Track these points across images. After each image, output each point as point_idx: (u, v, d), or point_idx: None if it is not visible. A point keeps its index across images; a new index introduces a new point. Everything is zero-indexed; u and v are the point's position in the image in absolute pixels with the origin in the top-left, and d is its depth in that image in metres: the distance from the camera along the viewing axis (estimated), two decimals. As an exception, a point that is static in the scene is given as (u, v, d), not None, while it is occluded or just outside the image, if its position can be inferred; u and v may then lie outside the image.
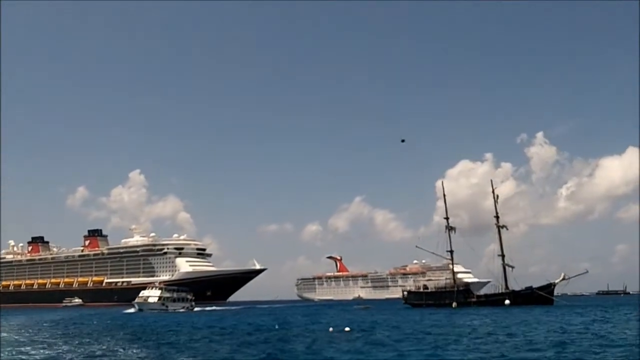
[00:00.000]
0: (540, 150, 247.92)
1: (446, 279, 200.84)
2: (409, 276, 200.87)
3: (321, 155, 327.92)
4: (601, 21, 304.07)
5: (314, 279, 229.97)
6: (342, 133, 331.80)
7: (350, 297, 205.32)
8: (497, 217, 78.57)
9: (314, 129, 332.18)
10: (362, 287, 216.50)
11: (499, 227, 78.13)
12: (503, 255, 78.09)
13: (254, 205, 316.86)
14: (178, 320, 58.03)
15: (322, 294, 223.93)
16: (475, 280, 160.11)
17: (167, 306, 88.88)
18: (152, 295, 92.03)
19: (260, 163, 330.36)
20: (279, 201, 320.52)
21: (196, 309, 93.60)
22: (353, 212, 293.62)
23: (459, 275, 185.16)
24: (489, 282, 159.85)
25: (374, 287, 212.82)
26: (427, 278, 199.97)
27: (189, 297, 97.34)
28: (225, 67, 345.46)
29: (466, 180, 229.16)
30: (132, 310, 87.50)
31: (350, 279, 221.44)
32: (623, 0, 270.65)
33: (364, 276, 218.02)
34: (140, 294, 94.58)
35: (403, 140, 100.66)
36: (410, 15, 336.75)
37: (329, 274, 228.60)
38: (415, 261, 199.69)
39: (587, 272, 75.88)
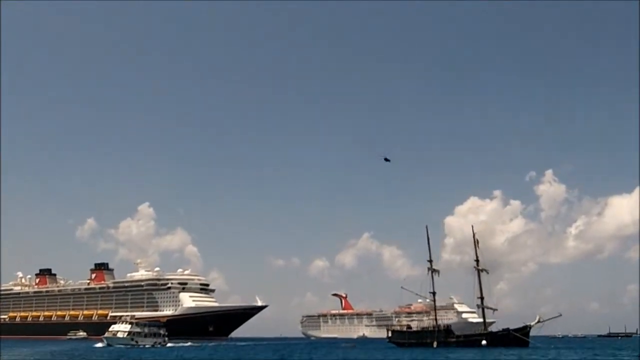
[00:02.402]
0: (549, 188, 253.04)
1: (449, 318, 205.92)
2: (414, 315, 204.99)
3: (330, 190, 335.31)
4: (615, 64, 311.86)
5: (318, 316, 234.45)
6: (350, 168, 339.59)
7: (355, 336, 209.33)
8: (476, 260, 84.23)
9: (323, 164, 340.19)
10: (366, 326, 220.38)
11: (479, 271, 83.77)
12: (482, 298, 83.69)
13: (262, 239, 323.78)
14: (143, 356, 62.51)
15: (327, 331, 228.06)
16: (480, 320, 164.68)
17: (136, 341, 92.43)
18: (122, 329, 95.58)
19: (269, 197, 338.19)
20: (287, 236, 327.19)
21: (169, 344, 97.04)
22: (361, 248, 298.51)
23: (464, 315, 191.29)
24: (494, 322, 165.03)
25: (379, 325, 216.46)
26: (431, 317, 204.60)
27: (162, 332, 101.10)
28: (234, 97, 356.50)
29: (475, 217, 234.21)
30: (100, 344, 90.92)
31: (355, 317, 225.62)
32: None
33: (369, 314, 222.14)
34: (110, 328, 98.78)
35: (387, 159, 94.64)
36: (415, 49, 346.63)
37: (334, 311, 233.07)
38: (419, 300, 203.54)
39: (561, 315, 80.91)
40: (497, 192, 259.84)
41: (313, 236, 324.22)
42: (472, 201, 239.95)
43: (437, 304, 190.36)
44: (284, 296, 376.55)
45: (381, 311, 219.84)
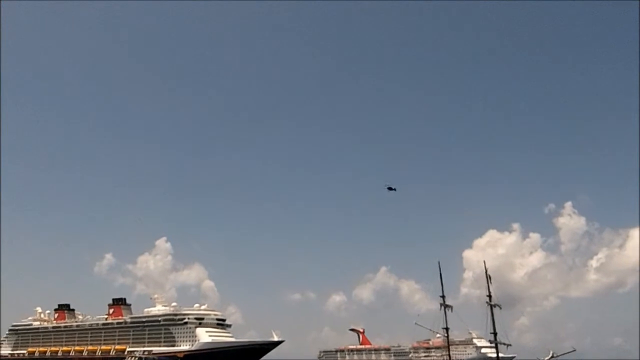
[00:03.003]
0: (569, 221, 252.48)
1: (469, 353, 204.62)
2: (432, 350, 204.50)
3: (346, 224, 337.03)
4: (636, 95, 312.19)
5: (336, 351, 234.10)
6: (367, 202, 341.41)
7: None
8: (489, 295, 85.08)
9: (339, 198, 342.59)
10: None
11: (491, 306, 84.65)
12: (495, 333, 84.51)
13: (278, 274, 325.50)
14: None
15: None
16: (500, 355, 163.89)
17: None
18: None
19: (286, 232, 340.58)
20: (303, 270, 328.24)
21: None
22: (378, 282, 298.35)
23: (483, 350, 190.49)
24: (514, 357, 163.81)
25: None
26: (450, 352, 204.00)
27: None
28: (250, 134, 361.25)
29: (493, 251, 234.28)
30: None
31: (373, 352, 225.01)
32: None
33: (387, 349, 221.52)
34: None
35: (392, 189, 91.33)
36: (431, 85, 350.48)
37: (351, 346, 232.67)
38: (438, 335, 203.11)
39: (575, 350, 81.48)
40: (515, 225, 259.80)
41: (330, 270, 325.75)
42: (491, 234, 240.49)
43: (456, 338, 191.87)
44: (302, 331, 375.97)
45: (399, 346, 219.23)
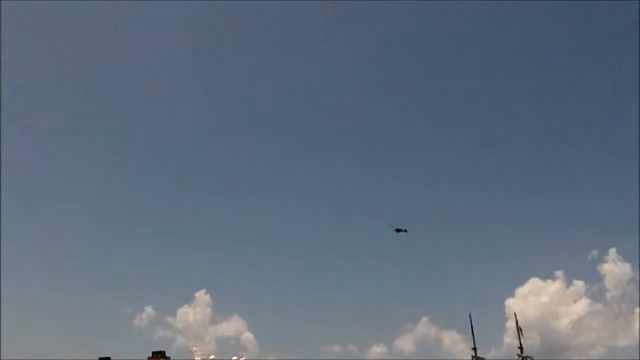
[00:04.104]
0: (614, 268, 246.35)
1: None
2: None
3: (385, 273, 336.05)
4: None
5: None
6: (405, 249, 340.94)
7: None
8: (520, 347, 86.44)
9: (376, 247, 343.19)
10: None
11: (523, 358, 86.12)
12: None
13: (318, 325, 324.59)
14: None
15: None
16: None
17: None
18: None
19: (324, 283, 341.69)
20: (343, 321, 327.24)
21: None
22: (419, 332, 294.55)
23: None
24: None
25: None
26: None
27: None
28: (289, 182, 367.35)
29: (536, 299, 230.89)
30: None
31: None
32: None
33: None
34: None
35: (400, 230, 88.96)
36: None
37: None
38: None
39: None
40: (559, 273, 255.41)
41: (370, 321, 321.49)
42: (533, 282, 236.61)
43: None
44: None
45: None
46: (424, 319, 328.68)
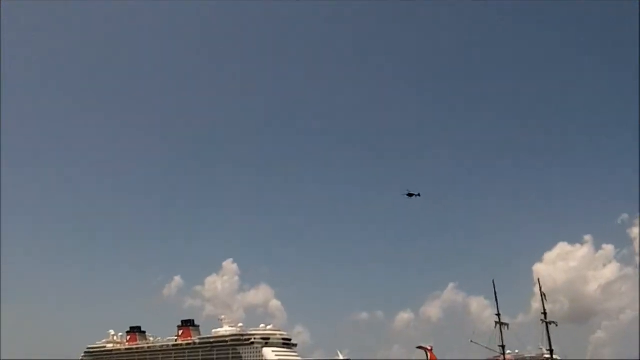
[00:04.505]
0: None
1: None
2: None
3: (413, 240, 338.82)
4: None
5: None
6: (432, 216, 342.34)
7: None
8: (544, 313, 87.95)
9: (403, 215, 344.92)
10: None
11: (547, 323, 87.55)
12: (551, 350, 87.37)
13: (346, 293, 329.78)
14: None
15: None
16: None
17: None
18: None
19: (351, 250, 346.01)
20: (370, 289, 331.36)
21: None
22: (447, 299, 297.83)
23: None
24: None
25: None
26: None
27: None
28: (314, 149, 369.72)
29: (565, 264, 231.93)
30: None
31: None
32: None
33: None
34: None
35: (412, 195, 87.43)
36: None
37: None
38: (509, 351, 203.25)
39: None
40: (587, 237, 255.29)
41: (397, 289, 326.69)
42: (562, 247, 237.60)
43: (527, 355, 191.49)
44: (370, 350, 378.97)
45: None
46: (451, 285, 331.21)
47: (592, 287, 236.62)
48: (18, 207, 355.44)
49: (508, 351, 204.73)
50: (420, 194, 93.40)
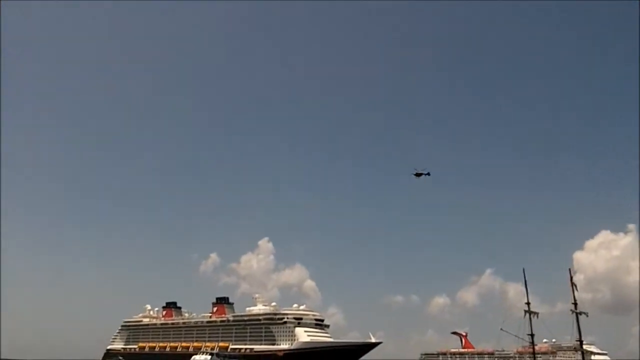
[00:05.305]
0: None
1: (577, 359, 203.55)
2: (539, 356, 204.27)
3: (450, 225, 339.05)
4: None
5: (438, 354, 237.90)
6: (469, 203, 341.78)
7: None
8: (574, 303, 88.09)
9: (442, 200, 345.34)
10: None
11: (577, 314, 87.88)
12: (581, 341, 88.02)
13: (380, 276, 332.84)
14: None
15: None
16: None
17: None
18: None
19: (388, 234, 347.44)
20: (406, 272, 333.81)
21: None
22: (483, 285, 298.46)
23: (595, 357, 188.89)
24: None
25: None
26: (557, 358, 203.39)
27: None
28: (353, 130, 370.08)
29: (607, 253, 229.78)
30: None
31: (476, 356, 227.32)
32: None
33: (490, 354, 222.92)
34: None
35: (420, 174, 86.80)
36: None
37: (453, 350, 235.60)
38: (545, 340, 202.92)
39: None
40: (631, 226, 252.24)
41: (433, 273, 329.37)
42: (604, 235, 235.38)
43: (565, 344, 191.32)
44: (404, 333, 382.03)
45: (503, 351, 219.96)
46: (488, 271, 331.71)
47: (635, 277, 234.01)
48: (57, 183, 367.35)
49: (544, 340, 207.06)
50: (430, 172, 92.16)
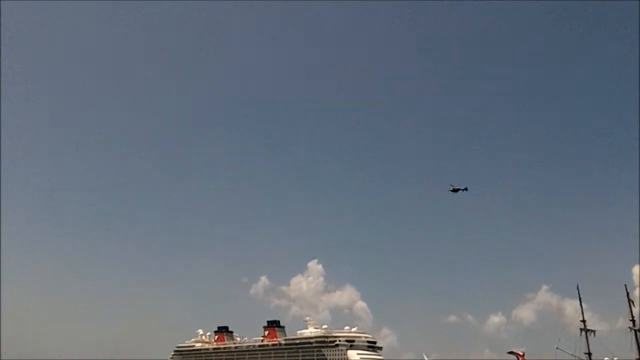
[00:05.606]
0: None
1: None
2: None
3: (503, 242, 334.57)
4: None
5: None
6: (523, 218, 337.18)
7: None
8: (632, 320, 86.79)
9: (494, 217, 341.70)
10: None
11: (636, 331, 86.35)
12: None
13: (433, 294, 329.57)
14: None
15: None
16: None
17: None
18: None
19: (438, 253, 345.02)
20: (459, 291, 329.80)
21: None
22: (540, 301, 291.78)
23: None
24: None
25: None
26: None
27: None
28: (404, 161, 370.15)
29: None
30: None
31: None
32: None
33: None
34: None
35: (457, 190, 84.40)
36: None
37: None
38: (606, 358, 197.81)
39: None
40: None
41: (487, 291, 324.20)
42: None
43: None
44: (460, 353, 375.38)
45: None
46: (544, 287, 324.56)
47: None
48: (112, 204, 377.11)
49: (605, 359, 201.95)
50: (467, 188, 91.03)
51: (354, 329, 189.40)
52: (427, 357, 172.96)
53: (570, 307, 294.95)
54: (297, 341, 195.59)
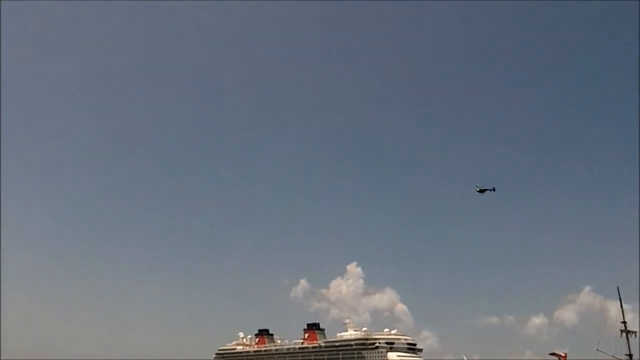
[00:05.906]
0: None
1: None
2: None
3: (544, 242, 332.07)
4: None
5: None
6: (565, 219, 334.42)
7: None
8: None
9: (534, 216, 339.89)
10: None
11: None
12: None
13: (474, 296, 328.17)
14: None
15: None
16: None
17: None
18: None
19: (478, 253, 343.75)
20: (500, 292, 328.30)
21: None
22: (582, 303, 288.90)
23: None
24: None
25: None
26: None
27: None
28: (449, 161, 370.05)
29: None
30: None
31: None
32: None
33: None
34: None
35: (484, 190, 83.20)
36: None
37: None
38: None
39: None
40: None
41: (528, 292, 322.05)
42: None
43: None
44: (501, 355, 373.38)
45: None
46: (587, 288, 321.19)
47: None
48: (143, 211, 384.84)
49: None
50: (495, 188, 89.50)
51: (393, 331, 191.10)
52: (467, 358, 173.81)
53: (615, 308, 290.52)
54: (337, 343, 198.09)
